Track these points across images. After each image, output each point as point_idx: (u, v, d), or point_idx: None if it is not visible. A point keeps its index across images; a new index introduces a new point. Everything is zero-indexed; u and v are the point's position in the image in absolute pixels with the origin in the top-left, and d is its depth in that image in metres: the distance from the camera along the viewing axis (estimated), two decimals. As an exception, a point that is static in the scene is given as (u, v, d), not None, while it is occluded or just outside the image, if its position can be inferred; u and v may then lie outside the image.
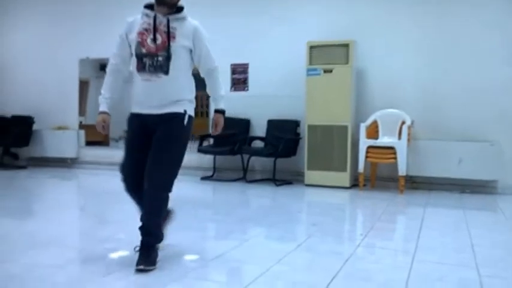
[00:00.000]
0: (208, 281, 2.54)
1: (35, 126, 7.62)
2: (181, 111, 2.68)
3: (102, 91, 2.78)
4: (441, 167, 5.61)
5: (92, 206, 4.76)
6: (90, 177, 7.07)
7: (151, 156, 2.64)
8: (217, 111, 2.90)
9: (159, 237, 2.74)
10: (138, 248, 2.67)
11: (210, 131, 4.06)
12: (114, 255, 2.96)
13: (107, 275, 2.55)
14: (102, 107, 2.78)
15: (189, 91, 2.76)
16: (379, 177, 5.94)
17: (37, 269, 2.63)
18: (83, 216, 4.36)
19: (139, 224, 2.68)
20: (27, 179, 6.63)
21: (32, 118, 7.57)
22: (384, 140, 5.69)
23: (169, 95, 2.66)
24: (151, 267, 2.58)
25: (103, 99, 2.78)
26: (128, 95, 2.79)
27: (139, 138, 2.72)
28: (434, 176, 5.71)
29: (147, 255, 2.61)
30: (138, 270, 2.54)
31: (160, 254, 2.71)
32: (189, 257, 2.99)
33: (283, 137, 6.03)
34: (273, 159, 6.05)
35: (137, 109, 2.72)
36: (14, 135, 7.36)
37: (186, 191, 5.55)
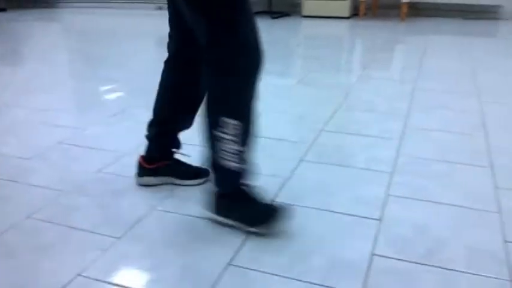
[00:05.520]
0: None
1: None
2: None
3: None
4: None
5: (86, 48, 4.59)
6: (77, 17, 6.72)
7: None
8: None
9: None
10: None
11: None
12: (114, 96, 2.94)
13: (112, 116, 2.55)
14: None
15: None
16: (381, 5, 5.66)
17: (42, 113, 2.62)
18: (78, 59, 4.23)
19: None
20: (10, 22, 6.29)
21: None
22: (387, -37, 5.28)
23: None
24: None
25: None
26: None
27: None
28: (437, 1, 5.44)
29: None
30: None
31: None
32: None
33: (279, -37, 5.57)
34: (268, -11, 5.69)
35: None
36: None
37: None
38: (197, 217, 1.58)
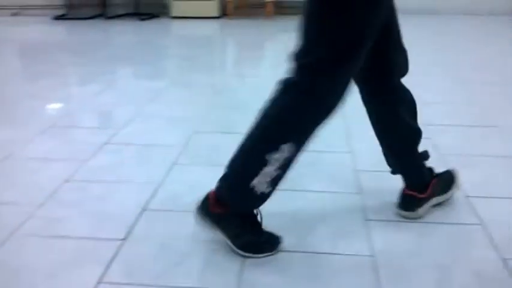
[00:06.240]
0: (79, 128, 2.41)
1: None
2: None
3: None
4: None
5: None
6: None
7: None
8: None
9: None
10: None
11: None
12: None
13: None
14: None
15: None
16: (248, 4, 5.82)
17: None
18: None
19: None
20: None
21: None
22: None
23: None
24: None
25: None
26: None
27: None
28: (299, -1, 5.76)
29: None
30: None
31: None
32: (54, 106, 2.77)
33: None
34: (133, -9, 5.52)
35: None
36: None
37: (35, 35, 4.94)
38: (62, 237, 1.47)
